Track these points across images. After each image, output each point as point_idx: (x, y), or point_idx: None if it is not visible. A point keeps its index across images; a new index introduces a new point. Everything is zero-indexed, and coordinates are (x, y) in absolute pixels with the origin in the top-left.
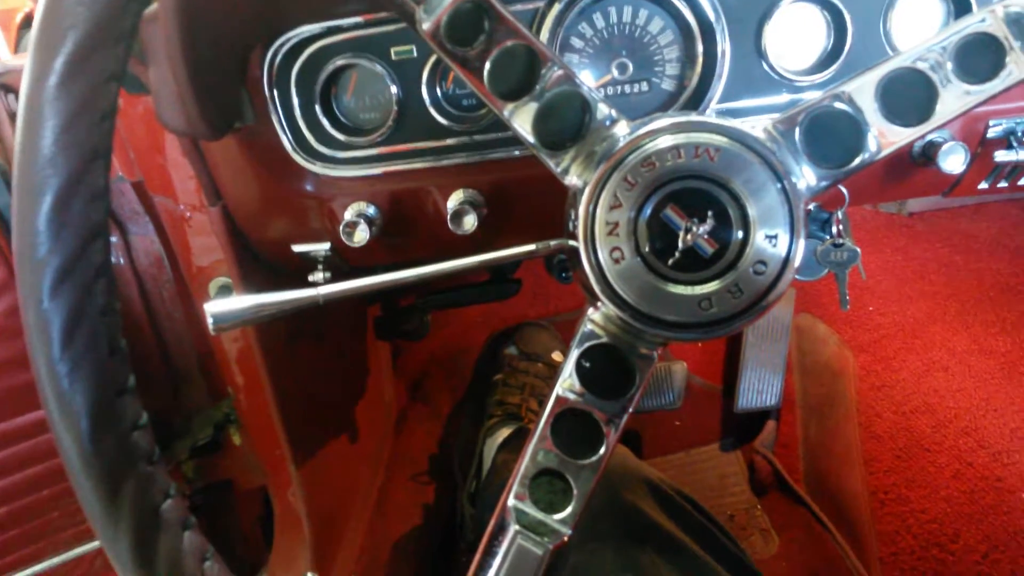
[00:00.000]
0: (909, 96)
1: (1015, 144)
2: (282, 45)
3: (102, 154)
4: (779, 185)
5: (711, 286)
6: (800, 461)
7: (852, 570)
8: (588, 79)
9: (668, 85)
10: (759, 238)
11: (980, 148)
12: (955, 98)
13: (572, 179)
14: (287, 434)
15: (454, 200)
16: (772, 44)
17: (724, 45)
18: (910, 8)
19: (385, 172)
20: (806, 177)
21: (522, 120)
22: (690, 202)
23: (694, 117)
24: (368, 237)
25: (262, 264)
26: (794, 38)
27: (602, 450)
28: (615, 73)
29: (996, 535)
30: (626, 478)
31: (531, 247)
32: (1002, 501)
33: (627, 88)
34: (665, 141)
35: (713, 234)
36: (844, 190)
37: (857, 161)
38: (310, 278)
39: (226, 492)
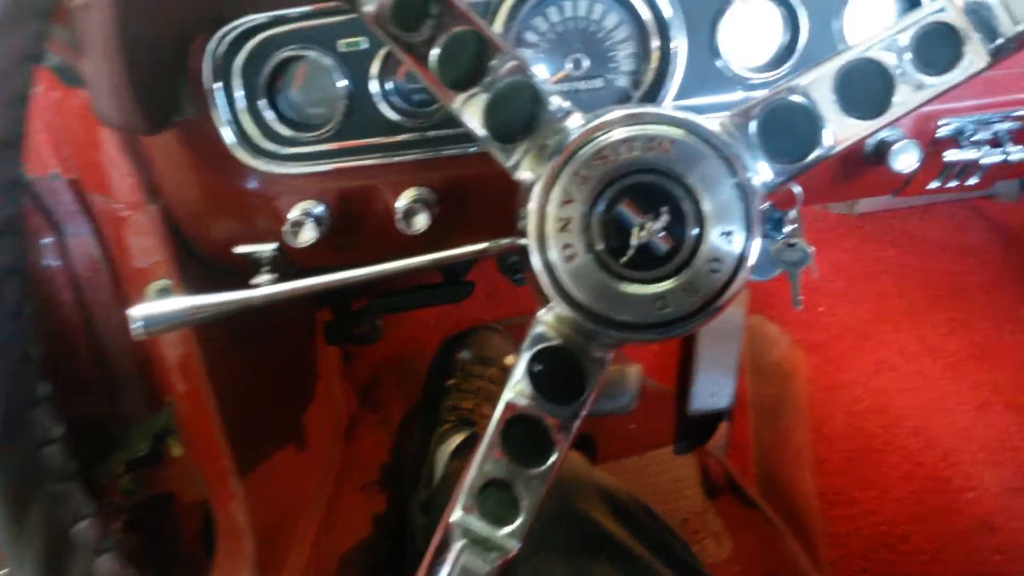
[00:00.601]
0: (866, 88)
1: (965, 143)
2: (225, 35)
3: (13, 141)
4: (735, 180)
5: (665, 285)
6: (753, 463)
7: (804, 571)
8: (545, 74)
9: (623, 82)
10: (714, 235)
11: (930, 147)
12: (913, 90)
13: (523, 174)
14: (229, 445)
15: (405, 198)
16: (726, 41)
17: (679, 42)
18: (863, 4)
19: (333, 169)
20: (762, 172)
21: (471, 111)
22: (645, 197)
23: (649, 109)
24: (315, 237)
25: (204, 266)
26: (748, 35)
27: (553, 458)
28: (570, 68)
29: (944, 536)
30: (579, 486)
31: (482, 246)
32: (950, 501)
33: (582, 84)
34: (619, 133)
35: (668, 231)
36: (797, 189)
37: (813, 155)
38: (253, 281)
39: (166, 506)
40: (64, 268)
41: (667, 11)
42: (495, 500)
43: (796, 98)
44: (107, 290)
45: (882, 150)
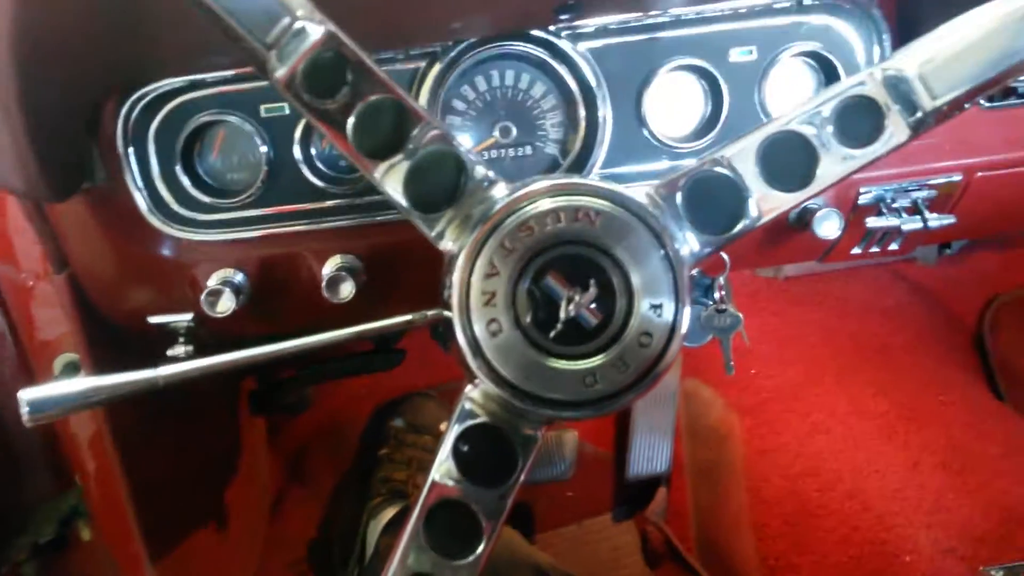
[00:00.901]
0: (790, 161)
1: (885, 210)
2: (140, 99)
3: None
4: (662, 252)
5: (596, 360)
6: (693, 528)
7: None
8: (469, 142)
9: (552, 149)
10: (644, 307)
11: (852, 214)
12: (836, 162)
13: (447, 244)
14: (142, 527)
15: (330, 266)
16: (652, 111)
17: (605, 111)
18: (782, 77)
19: (254, 236)
20: (689, 243)
21: (392, 181)
22: (573, 270)
23: (575, 179)
24: (234, 306)
25: (116, 337)
26: (673, 105)
27: (480, 548)
28: (498, 136)
29: None
30: (513, 566)
31: (407, 317)
32: (888, 566)
33: (511, 151)
34: (544, 204)
35: (597, 304)
36: (725, 256)
37: (739, 227)
38: (170, 353)
39: None
40: None
41: (593, 81)
42: None
43: (721, 170)
44: (11, 363)
45: (805, 218)
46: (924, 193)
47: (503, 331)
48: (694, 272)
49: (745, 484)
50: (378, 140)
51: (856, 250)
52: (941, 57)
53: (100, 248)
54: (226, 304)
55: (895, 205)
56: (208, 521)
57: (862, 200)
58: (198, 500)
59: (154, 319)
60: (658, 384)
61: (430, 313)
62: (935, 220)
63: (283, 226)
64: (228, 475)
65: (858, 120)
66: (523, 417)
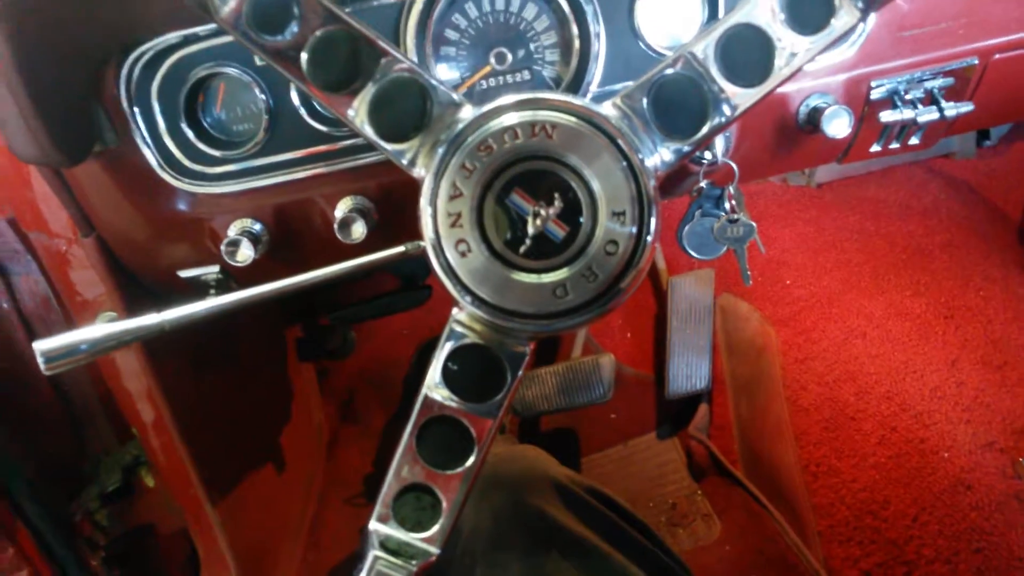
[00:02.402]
0: (748, 55)
1: (899, 104)
2: (138, 58)
3: None
4: (624, 162)
5: (564, 272)
6: (735, 441)
7: (792, 545)
8: (466, 71)
9: (550, 72)
10: (607, 217)
11: (866, 110)
12: (792, 52)
13: (418, 171)
14: (200, 473)
15: (342, 208)
16: (645, 22)
17: (598, 27)
18: None
19: (265, 185)
20: (657, 150)
21: (357, 112)
22: (537, 185)
23: (534, 94)
24: (253, 255)
25: (152, 294)
26: (667, 14)
27: (472, 458)
28: (494, 63)
29: (923, 498)
30: (531, 481)
31: (400, 248)
32: (926, 463)
33: (508, 78)
34: (503, 121)
35: (563, 217)
36: (734, 165)
37: (706, 129)
38: None
39: (148, 537)
40: (12, 308)
41: None
42: (414, 506)
43: (684, 71)
44: (60, 325)
45: (815, 118)
46: (940, 82)
47: (472, 251)
48: (703, 184)
49: (784, 394)
50: (335, 73)
51: (875, 147)
52: None
53: (120, 209)
54: (245, 253)
55: (909, 97)
56: (265, 463)
57: (874, 95)
58: (254, 445)
59: (183, 273)
60: (629, 293)
61: (422, 243)
62: (952, 108)
63: (291, 172)
64: (282, 420)
65: (809, 5)
66: (507, 334)
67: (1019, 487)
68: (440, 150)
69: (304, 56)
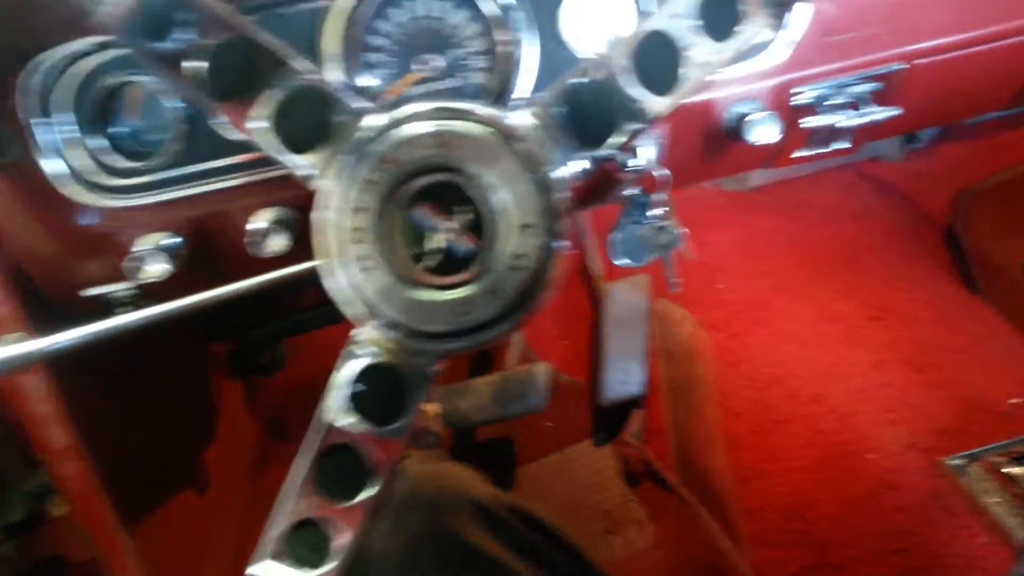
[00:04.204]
0: (661, 62)
1: (826, 109)
2: (42, 67)
3: None
4: (533, 173)
5: (470, 288)
6: (671, 446)
7: (725, 551)
8: (392, 78)
9: (478, 79)
10: (516, 231)
11: (793, 116)
12: (703, 59)
13: (321, 183)
14: (114, 499)
15: (261, 220)
16: (569, 28)
17: (524, 33)
18: None
19: (180, 197)
20: (571, 159)
21: (256, 123)
22: (443, 198)
23: (442, 103)
24: (167, 270)
25: (58, 313)
26: (595, 21)
27: (370, 489)
28: (421, 71)
29: (849, 499)
30: (450, 504)
31: (313, 263)
32: (852, 465)
33: (436, 85)
34: (409, 131)
35: (469, 230)
36: (662, 172)
37: (621, 136)
38: None
39: (57, 569)
40: None
41: (508, 5)
42: (307, 542)
43: (597, 77)
44: None
45: (740, 125)
46: (866, 86)
47: (375, 267)
48: (632, 192)
49: (717, 398)
50: (232, 83)
51: (803, 152)
52: None
53: (26, 224)
54: (155, 269)
55: (836, 102)
56: (187, 485)
57: (801, 100)
58: (175, 466)
59: (92, 291)
60: (539, 309)
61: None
62: (879, 113)
63: (208, 183)
64: (206, 438)
65: (720, 12)
66: (412, 353)
67: (941, 487)
68: (342, 162)
69: (198, 65)
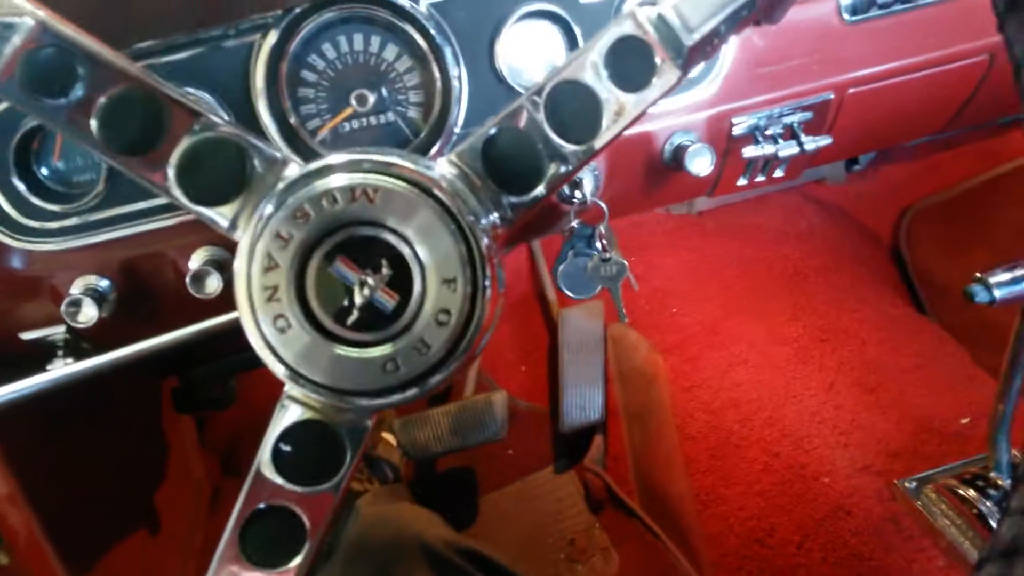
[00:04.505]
0: (577, 111)
1: (760, 139)
2: None
3: None
4: (452, 225)
5: (392, 345)
6: (630, 471)
7: None
8: (326, 114)
9: (414, 113)
10: (437, 284)
11: (729, 146)
12: (618, 108)
13: (239, 235)
14: (58, 548)
15: (196, 260)
16: (506, 62)
17: (458, 68)
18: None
19: (109, 239)
20: (495, 207)
21: (162, 177)
22: (364, 252)
23: (355, 155)
24: (97, 315)
25: None
26: (530, 54)
27: (303, 554)
28: (355, 106)
29: (806, 525)
30: (400, 550)
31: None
32: (808, 489)
33: (372, 120)
34: (323, 185)
35: (393, 284)
36: (603, 204)
37: (543, 184)
38: (49, 368)
39: None
40: None
41: (439, 38)
42: None
43: (516, 125)
44: None
45: (679, 156)
46: (798, 116)
47: (292, 327)
48: (575, 223)
49: (674, 422)
50: (133, 136)
51: (742, 181)
52: None
53: None
54: (88, 314)
55: (769, 132)
56: (138, 526)
57: (736, 131)
58: (124, 507)
59: (26, 335)
60: (469, 363)
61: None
62: (811, 142)
63: (138, 224)
64: (157, 477)
65: (631, 63)
66: (340, 411)
67: (895, 510)
68: (257, 214)
69: (93, 119)
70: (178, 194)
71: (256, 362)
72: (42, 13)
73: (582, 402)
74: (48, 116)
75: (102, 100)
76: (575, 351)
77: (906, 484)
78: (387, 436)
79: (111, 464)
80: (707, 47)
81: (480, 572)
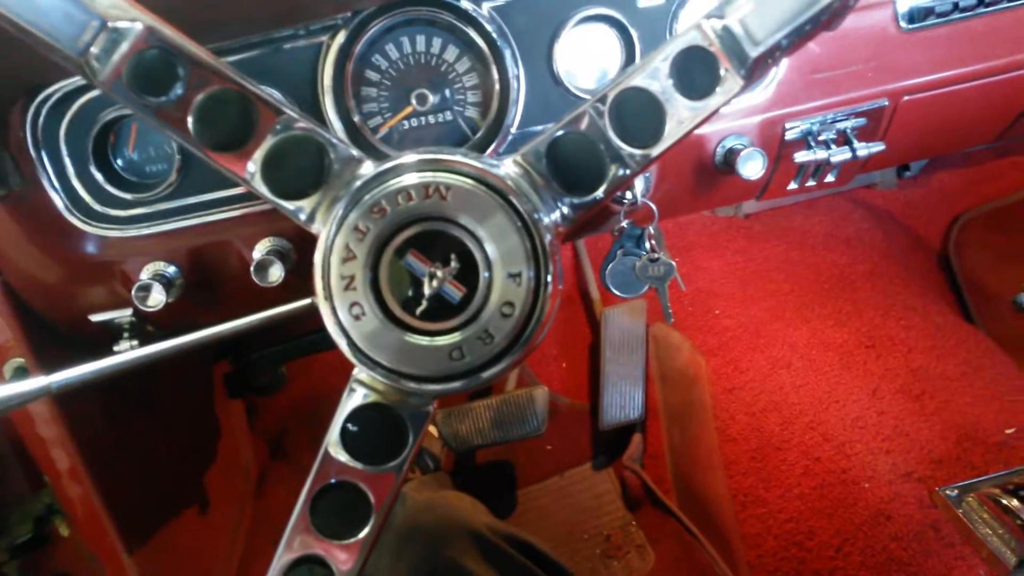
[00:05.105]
0: (640, 117)
1: (813, 144)
2: (45, 100)
3: None
4: (518, 222)
5: (460, 335)
6: (669, 471)
7: None
8: (387, 112)
9: (472, 113)
10: (503, 278)
11: (781, 150)
12: (681, 115)
13: (317, 227)
14: (116, 520)
15: (259, 250)
16: (564, 65)
17: (517, 69)
18: (693, 18)
19: (178, 228)
20: (557, 206)
21: (250, 171)
22: (433, 246)
23: (428, 154)
24: (165, 300)
25: (61, 338)
26: (588, 57)
27: (368, 527)
28: (415, 104)
29: (845, 529)
30: (449, 534)
31: (307, 301)
32: (848, 494)
33: (430, 119)
34: (398, 182)
35: (460, 277)
36: (653, 205)
37: (605, 185)
38: (116, 349)
39: None
40: None
41: (500, 40)
42: None
43: (581, 130)
44: None
45: (731, 159)
46: (852, 122)
47: (366, 314)
48: (624, 223)
49: (714, 424)
50: (226, 132)
51: (792, 185)
52: (755, 3)
53: (27, 253)
54: (157, 298)
55: (822, 138)
56: (188, 506)
57: (789, 136)
58: (176, 487)
59: (95, 317)
60: (530, 352)
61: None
62: (864, 149)
63: (206, 214)
64: (207, 460)
65: (696, 72)
66: (405, 395)
67: (936, 516)
68: (335, 209)
69: (191, 117)
70: (263, 188)
71: (310, 349)
72: (149, 18)
73: (622, 400)
74: (150, 113)
75: (199, 98)
76: (617, 350)
77: (948, 492)
78: (430, 428)
79: (166, 445)
80: (770, 59)
81: (526, 557)
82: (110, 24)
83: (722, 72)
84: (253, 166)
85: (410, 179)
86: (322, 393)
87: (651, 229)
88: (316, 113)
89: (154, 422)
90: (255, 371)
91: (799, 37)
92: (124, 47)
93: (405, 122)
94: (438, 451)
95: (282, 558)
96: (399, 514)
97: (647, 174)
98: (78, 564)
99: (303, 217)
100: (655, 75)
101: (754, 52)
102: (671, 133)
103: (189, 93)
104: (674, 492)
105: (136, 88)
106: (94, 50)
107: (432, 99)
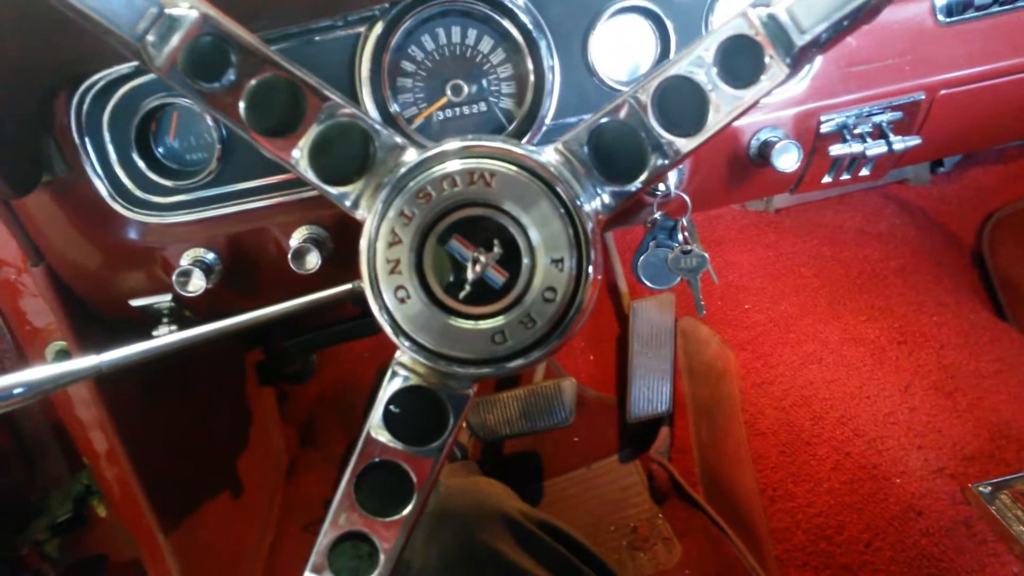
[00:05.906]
0: (683, 105)
1: (848, 137)
2: (89, 88)
3: None
4: (561, 209)
5: (503, 319)
6: (696, 465)
7: (750, 570)
8: (422, 102)
9: (507, 104)
10: (545, 263)
11: (816, 143)
12: (726, 103)
13: (361, 213)
14: (152, 502)
15: (296, 238)
16: (599, 56)
17: (552, 61)
18: (730, 10)
19: (218, 215)
20: (598, 194)
21: (298, 156)
22: (477, 231)
23: (475, 141)
24: (205, 285)
25: (106, 323)
26: (623, 49)
27: (411, 505)
28: (450, 95)
29: (876, 524)
30: (482, 518)
31: (347, 287)
32: (879, 489)
33: (465, 109)
34: (442, 169)
35: (503, 262)
36: (686, 197)
37: (646, 174)
38: (155, 334)
39: (100, 568)
40: None
41: (535, 31)
42: (350, 555)
43: (623, 118)
44: (11, 356)
45: (765, 151)
46: (888, 116)
47: (411, 297)
48: (657, 215)
49: (743, 418)
50: (275, 118)
51: (826, 179)
52: None
53: (70, 238)
54: (197, 283)
55: (858, 131)
56: (221, 490)
57: (824, 128)
58: (210, 471)
59: (135, 302)
60: (570, 337)
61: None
62: (900, 142)
63: (245, 202)
64: (239, 445)
65: (741, 60)
66: (449, 377)
67: (968, 513)
68: (381, 195)
69: (242, 103)
70: (310, 174)
71: (342, 337)
72: (204, 6)
73: (650, 393)
74: (203, 99)
75: (251, 84)
76: (645, 343)
77: (981, 488)
78: None
79: (200, 430)
80: (816, 47)
81: (558, 543)
82: (167, 11)
83: (767, 61)
84: (299, 152)
85: (454, 165)
86: (350, 382)
87: (684, 221)
88: (353, 103)
89: (189, 408)
90: (286, 359)
91: (850, 24)
92: (180, 34)
93: (440, 112)
94: (466, 440)
95: (328, 534)
96: (432, 498)
97: (681, 166)
98: (114, 544)
99: (348, 203)
100: (699, 63)
101: (800, 40)
102: (713, 122)
103: (241, 79)
104: (701, 486)
105: (190, 74)
106: (151, 37)
107: (467, 90)
